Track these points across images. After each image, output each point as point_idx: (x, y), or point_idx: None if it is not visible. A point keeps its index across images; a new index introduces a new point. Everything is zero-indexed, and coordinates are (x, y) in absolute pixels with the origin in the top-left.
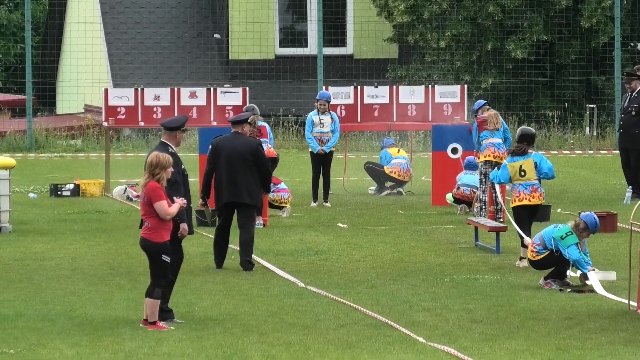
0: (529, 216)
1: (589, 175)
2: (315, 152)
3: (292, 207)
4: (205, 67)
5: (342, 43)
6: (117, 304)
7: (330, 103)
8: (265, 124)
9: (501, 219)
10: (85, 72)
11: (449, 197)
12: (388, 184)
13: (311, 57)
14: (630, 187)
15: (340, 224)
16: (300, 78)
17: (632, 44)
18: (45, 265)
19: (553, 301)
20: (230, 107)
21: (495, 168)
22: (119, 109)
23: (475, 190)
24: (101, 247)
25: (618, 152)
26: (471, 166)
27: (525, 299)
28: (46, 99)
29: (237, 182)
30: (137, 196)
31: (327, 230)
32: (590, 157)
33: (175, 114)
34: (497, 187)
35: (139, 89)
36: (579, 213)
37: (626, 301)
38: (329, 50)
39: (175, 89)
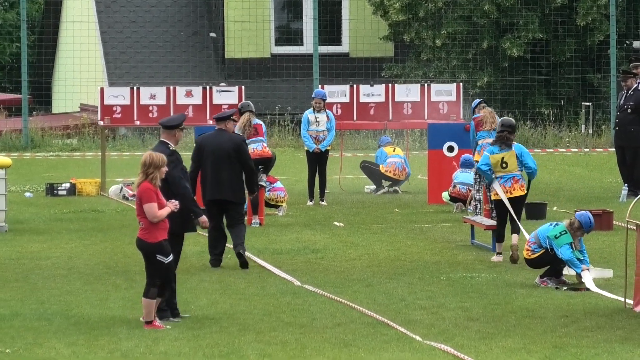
0: (514, 207)
1: (585, 173)
2: (311, 151)
3: (288, 206)
4: (201, 66)
5: (337, 42)
6: (114, 303)
7: (326, 102)
8: (260, 122)
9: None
10: (80, 71)
11: (445, 195)
12: (385, 183)
13: (307, 55)
14: (626, 184)
15: (336, 223)
16: (296, 77)
17: (627, 42)
18: (41, 265)
19: (549, 299)
20: (226, 106)
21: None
22: (114, 108)
23: (471, 188)
24: (97, 247)
25: (614, 149)
26: (467, 164)
27: (521, 297)
28: (42, 98)
29: (221, 179)
30: (133, 195)
31: (323, 229)
32: (586, 155)
33: (171, 113)
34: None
35: (135, 87)
36: (575, 211)
37: (622, 299)
38: (324, 49)
39: (171, 87)
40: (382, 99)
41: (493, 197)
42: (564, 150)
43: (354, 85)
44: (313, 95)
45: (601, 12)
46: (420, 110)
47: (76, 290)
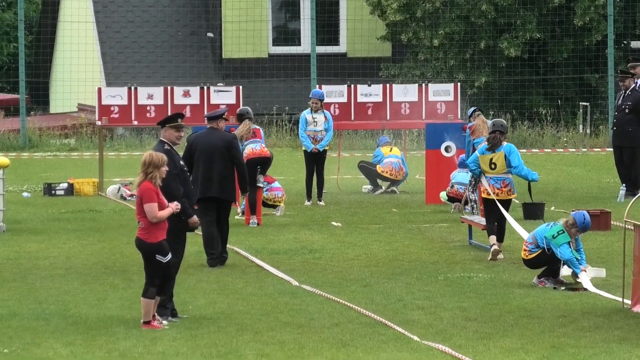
0: (499, 207)
1: (583, 173)
2: (308, 151)
3: (286, 206)
4: (199, 66)
5: (335, 42)
6: (111, 303)
7: (324, 102)
8: (259, 127)
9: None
10: (78, 71)
11: (443, 195)
12: (383, 183)
13: (304, 55)
14: (624, 184)
15: (334, 223)
16: (293, 77)
17: (625, 42)
18: (39, 265)
19: (547, 299)
20: (224, 106)
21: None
22: (112, 108)
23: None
24: (95, 246)
25: (611, 149)
26: (465, 164)
27: (519, 297)
28: (39, 98)
29: (212, 177)
30: (131, 195)
31: (321, 229)
32: (583, 155)
33: (169, 113)
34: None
35: (132, 87)
36: (572, 211)
37: (620, 299)
38: (322, 49)
39: (169, 87)
40: (379, 99)
41: (484, 195)
42: (561, 150)
43: (352, 85)
44: (310, 96)
45: (599, 12)
46: (418, 110)
47: (74, 290)
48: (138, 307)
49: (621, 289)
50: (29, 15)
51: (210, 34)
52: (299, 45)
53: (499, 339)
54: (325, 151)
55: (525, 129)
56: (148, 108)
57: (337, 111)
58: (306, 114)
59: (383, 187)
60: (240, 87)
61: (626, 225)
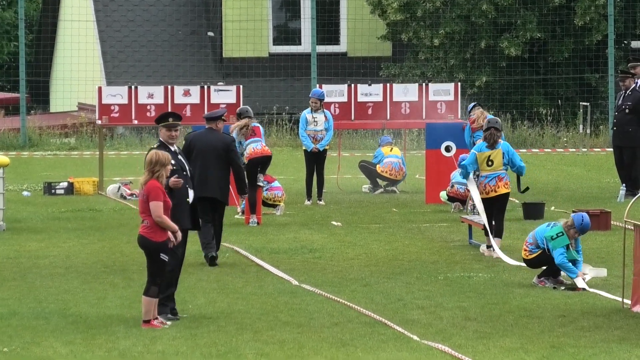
0: (498, 204)
1: (583, 173)
2: (309, 150)
3: (286, 205)
4: (199, 65)
5: (335, 41)
6: (111, 302)
7: (324, 101)
8: (258, 124)
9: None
10: (78, 70)
11: (443, 194)
12: (383, 183)
13: (305, 55)
14: (624, 184)
15: (334, 222)
16: (294, 76)
17: (625, 42)
18: (39, 264)
19: (547, 299)
20: (224, 105)
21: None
22: (112, 107)
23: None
24: (95, 245)
25: (612, 149)
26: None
27: (519, 297)
28: (40, 97)
29: (208, 177)
30: (131, 194)
31: (321, 229)
32: (583, 155)
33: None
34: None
35: (133, 87)
36: (573, 212)
37: (620, 299)
38: (322, 48)
39: (169, 87)
40: (380, 98)
41: (482, 196)
42: (561, 150)
43: (352, 85)
44: (310, 95)
45: (599, 11)
46: (418, 110)
47: (74, 289)
48: (138, 306)
49: (621, 289)
50: (30, 14)
51: (210, 33)
52: (300, 44)
53: (498, 338)
54: (325, 151)
55: (526, 129)
56: (148, 107)
57: (338, 111)
58: (306, 114)
59: (382, 187)
60: (241, 86)
61: (626, 225)
